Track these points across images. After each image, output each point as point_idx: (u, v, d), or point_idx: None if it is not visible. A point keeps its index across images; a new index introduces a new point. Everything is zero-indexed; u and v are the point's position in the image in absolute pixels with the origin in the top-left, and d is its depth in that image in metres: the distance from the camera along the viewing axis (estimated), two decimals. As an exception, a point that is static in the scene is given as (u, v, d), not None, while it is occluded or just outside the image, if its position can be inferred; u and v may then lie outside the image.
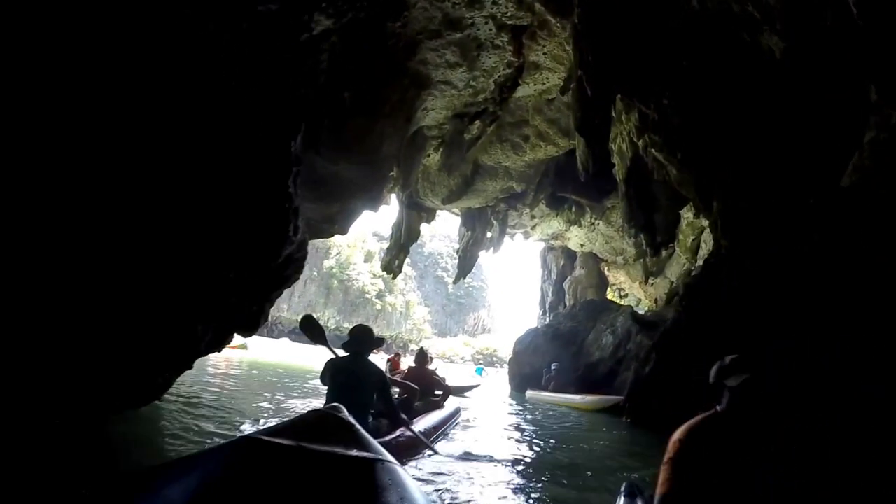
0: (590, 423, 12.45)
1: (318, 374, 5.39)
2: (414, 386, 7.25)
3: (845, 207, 8.37)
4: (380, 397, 5.16)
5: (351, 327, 5.55)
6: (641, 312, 19.94)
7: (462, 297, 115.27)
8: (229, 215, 5.33)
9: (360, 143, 10.68)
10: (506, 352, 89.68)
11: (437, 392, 8.74)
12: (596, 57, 10.90)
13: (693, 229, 21.14)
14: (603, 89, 11.41)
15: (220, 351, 6.69)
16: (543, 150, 17.60)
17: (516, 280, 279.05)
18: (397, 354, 20.19)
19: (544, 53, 13.16)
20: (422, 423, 6.23)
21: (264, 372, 17.78)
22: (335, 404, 3.44)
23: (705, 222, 19.23)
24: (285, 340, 64.80)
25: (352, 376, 4.95)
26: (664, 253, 25.53)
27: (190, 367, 6.47)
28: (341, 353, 5.36)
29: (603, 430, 11.36)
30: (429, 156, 18.51)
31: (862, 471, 5.77)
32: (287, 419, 3.39)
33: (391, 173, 18.70)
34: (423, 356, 9.59)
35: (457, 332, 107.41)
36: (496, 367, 67.05)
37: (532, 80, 14.49)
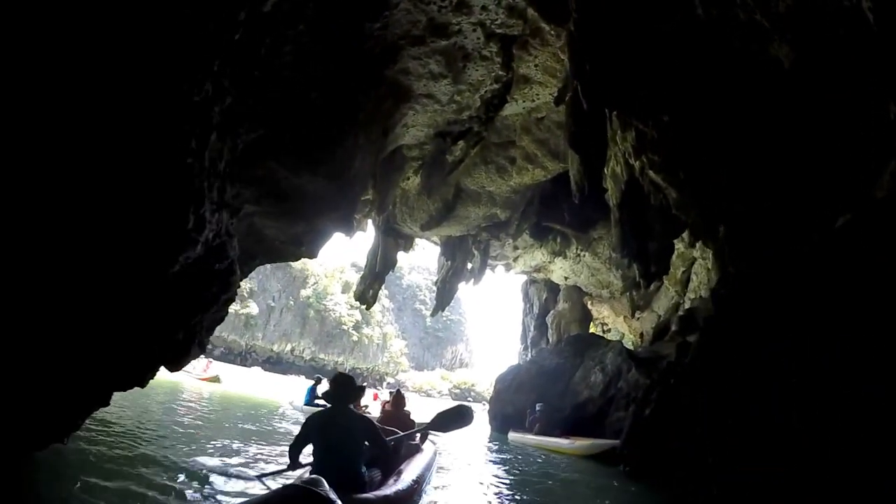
0: (580, 472, 11.20)
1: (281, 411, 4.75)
2: (400, 432, 6.65)
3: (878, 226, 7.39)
4: (373, 444, 4.83)
5: (333, 376, 5.14)
6: (629, 348, 18.76)
7: (440, 330, 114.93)
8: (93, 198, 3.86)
9: (328, 154, 9.50)
10: (483, 386, 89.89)
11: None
12: (593, 66, 9.95)
13: (683, 261, 20.23)
14: (599, 101, 10.48)
15: (142, 385, 5.38)
16: (531, 173, 16.53)
17: (495, 314, 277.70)
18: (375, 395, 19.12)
19: (535, 65, 12.18)
20: (408, 474, 5.61)
21: (234, 407, 16.31)
22: (316, 477, 3.14)
23: (696, 253, 18.40)
24: (257, 369, 63.32)
25: (339, 430, 4.60)
26: (652, 286, 24.75)
27: (105, 405, 5.18)
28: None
29: (596, 482, 10.10)
30: (408, 178, 17.42)
31: (862, 471, 5.86)
32: (258, 496, 3.18)
33: (366, 195, 17.61)
34: (399, 398, 9.03)
35: (434, 365, 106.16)
36: (471, 401, 65.47)
37: (521, 96, 13.50)
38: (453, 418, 5.47)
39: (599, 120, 11.32)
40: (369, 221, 21.56)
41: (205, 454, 7.57)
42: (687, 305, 20.09)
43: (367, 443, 4.80)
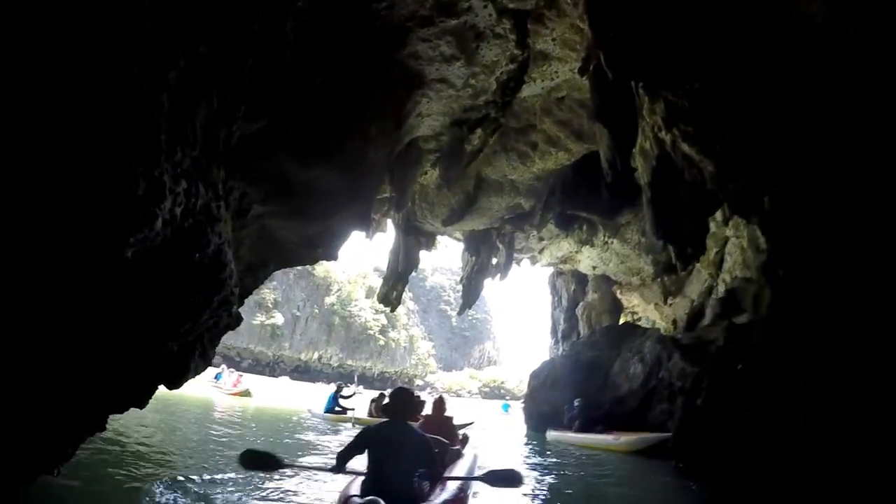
0: (629, 470, 10.45)
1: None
2: (444, 441, 6.88)
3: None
4: (424, 462, 4.84)
5: (391, 391, 5.20)
6: (668, 335, 17.86)
7: (466, 329, 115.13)
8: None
9: (339, 146, 8.84)
10: (513, 383, 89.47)
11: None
12: (616, 32, 9.21)
13: (716, 241, 19.26)
14: (625, 70, 9.75)
15: (140, 406, 4.77)
16: (554, 157, 15.73)
17: (521, 310, 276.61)
18: (381, 395, 18.41)
19: (553, 39, 11.43)
20: (454, 482, 5.59)
21: (260, 421, 15.80)
22: (373, 499, 3.60)
23: (729, 232, 17.47)
24: (285, 379, 63.55)
25: (396, 445, 4.56)
26: (683, 270, 23.80)
27: (100, 429, 4.57)
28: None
29: (649, 481, 9.34)
30: (425, 173, 16.74)
31: (870, 471, 5.88)
32: None
33: (383, 193, 16.96)
34: (441, 404, 8.89)
35: (462, 365, 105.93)
36: (508, 398, 64.68)
37: (539, 75, 12.75)
38: (506, 479, 5.17)
39: (626, 92, 10.55)
40: (389, 221, 20.94)
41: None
42: (721, 288, 19.18)
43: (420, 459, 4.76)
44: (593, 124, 14.01)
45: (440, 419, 8.43)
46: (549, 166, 16.24)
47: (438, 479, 5.27)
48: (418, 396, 5.50)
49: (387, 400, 5.05)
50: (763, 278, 11.45)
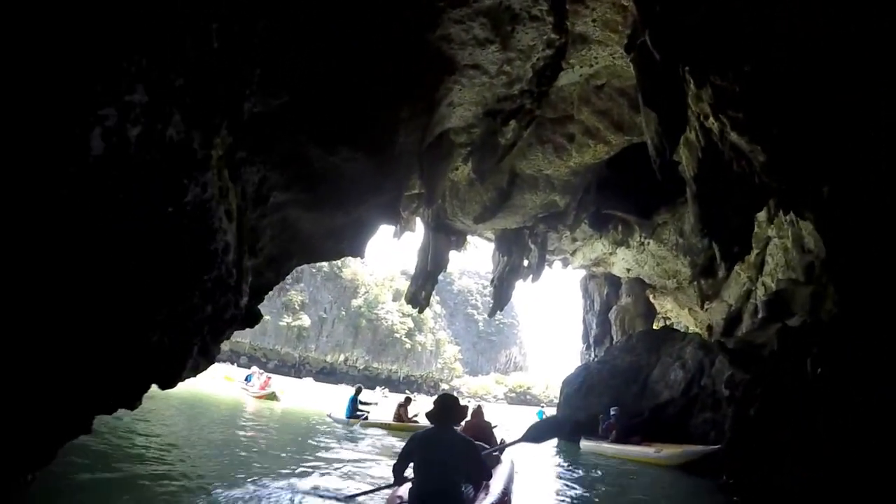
0: (672, 486, 9.65)
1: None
2: (486, 445, 6.98)
3: None
4: (470, 465, 4.88)
5: (436, 397, 5.27)
6: (712, 340, 16.91)
7: (493, 334, 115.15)
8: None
9: (366, 128, 8.24)
10: (539, 389, 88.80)
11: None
12: (664, 7, 8.50)
13: (757, 242, 18.33)
14: (673, 50, 9.05)
15: (131, 407, 4.19)
16: (592, 150, 14.92)
17: (549, 314, 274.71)
18: (408, 399, 17.60)
19: (593, 21, 10.71)
20: (496, 486, 5.54)
21: (283, 426, 15.25)
22: None
23: (772, 231, 16.54)
24: (309, 380, 62.95)
25: (443, 450, 4.70)
26: (720, 273, 22.79)
27: (86, 431, 3.98)
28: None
29: (695, 499, 8.53)
30: (457, 169, 16.10)
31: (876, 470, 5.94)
32: None
33: (412, 189, 16.33)
34: (480, 412, 9.13)
35: (488, 370, 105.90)
36: (543, 406, 63.84)
37: (578, 61, 12.04)
38: (548, 429, 5.52)
39: (674, 73, 9.80)
40: (418, 220, 20.37)
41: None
42: (760, 291, 18.24)
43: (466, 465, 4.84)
44: (634, 114, 13.30)
45: (480, 424, 8.60)
46: (587, 160, 15.44)
47: (482, 482, 5.30)
48: (461, 402, 5.35)
49: (431, 406, 5.14)
50: (825, 276, 10.59)
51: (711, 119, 11.16)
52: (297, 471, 7.85)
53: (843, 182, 9.17)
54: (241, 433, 11.80)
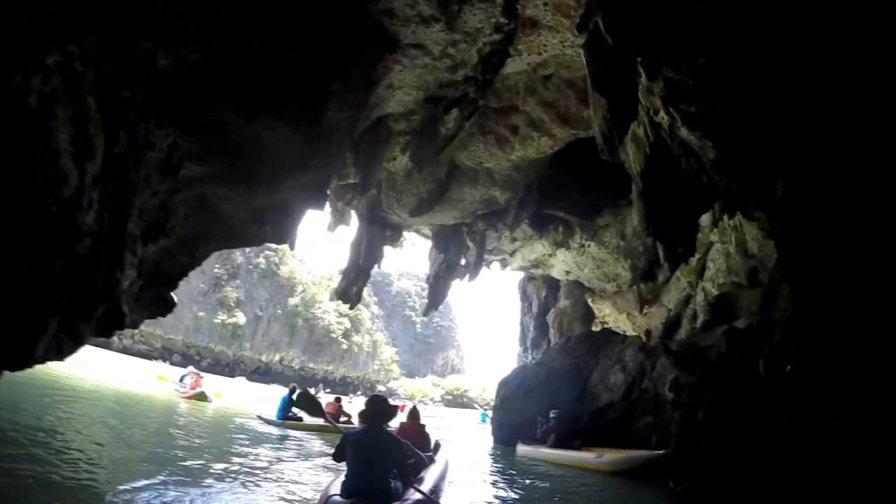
0: (615, 493, 9.11)
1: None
2: (421, 455, 7.08)
3: None
4: (399, 464, 5.24)
5: (367, 398, 5.68)
6: (649, 343, 16.63)
7: (430, 336, 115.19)
8: None
9: (292, 97, 7.38)
10: (476, 392, 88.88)
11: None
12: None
13: (699, 246, 18.29)
14: (626, 37, 8.57)
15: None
16: (536, 143, 14.33)
17: (486, 318, 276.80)
18: (338, 399, 16.68)
19: (545, 4, 10.13)
20: (425, 485, 6.02)
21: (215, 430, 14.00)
22: (354, 501, 4.57)
23: (714, 237, 16.47)
24: (242, 380, 60.94)
25: (373, 448, 5.02)
26: (660, 278, 22.78)
27: None
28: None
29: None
30: (394, 159, 15.30)
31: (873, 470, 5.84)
32: None
33: (346, 179, 15.44)
34: (415, 413, 9.50)
35: (425, 372, 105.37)
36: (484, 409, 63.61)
37: (526, 47, 11.46)
38: None
39: (625, 61, 9.32)
40: (353, 213, 19.45)
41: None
42: (700, 297, 18.19)
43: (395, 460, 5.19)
44: (582, 107, 12.83)
45: (415, 426, 8.98)
46: (530, 154, 14.86)
47: (411, 481, 5.62)
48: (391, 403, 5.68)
49: (363, 407, 5.46)
50: (778, 275, 10.33)
51: (662, 113, 10.76)
52: (206, 474, 6.90)
53: (798, 179, 8.88)
54: (163, 436, 10.62)
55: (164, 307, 9.39)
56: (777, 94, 8.71)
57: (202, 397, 20.98)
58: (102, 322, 5.50)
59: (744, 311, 13.43)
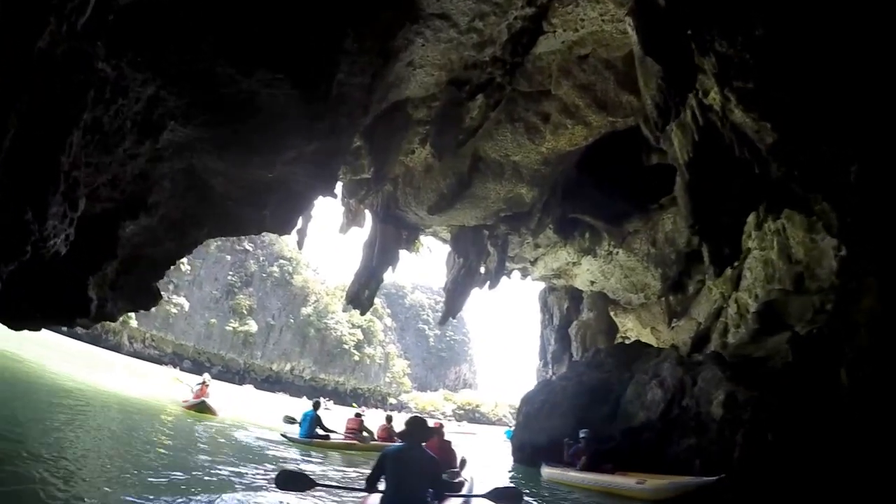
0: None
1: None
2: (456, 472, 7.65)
3: None
4: (434, 482, 5.25)
5: (408, 418, 5.68)
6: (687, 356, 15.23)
7: (443, 350, 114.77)
8: None
9: (295, 50, 6.22)
10: (488, 408, 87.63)
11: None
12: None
13: (737, 252, 17.03)
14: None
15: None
16: (569, 133, 13.04)
17: (501, 333, 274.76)
18: (358, 415, 14.96)
19: (586, -34, 8.98)
20: (458, 500, 6.13)
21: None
22: None
23: (752, 243, 15.18)
24: (249, 387, 60.12)
25: (412, 467, 5.04)
26: (691, 289, 21.47)
27: None
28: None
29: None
30: (412, 152, 14.15)
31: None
32: None
33: (360, 174, 14.28)
34: (440, 430, 9.33)
35: (437, 386, 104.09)
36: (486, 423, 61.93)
37: (561, 22, 10.30)
38: (506, 497, 5.32)
39: (676, 33, 8.14)
40: (368, 214, 18.31)
41: None
42: (732, 308, 16.87)
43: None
44: (621, 91, 11.66)
45: (441, 443, 8.85)
46: (562, 146, 13.58)
47: (444, 498, 5.61)
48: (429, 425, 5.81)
49: (403, 426, 5.57)
50: (859, 271, 9.04)
51: (713, 94, 9.60)
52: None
53: (876, 159, 7.63)
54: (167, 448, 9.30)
55: (148, 299, 8.28)
56: (851, 65, 7.56)
57: (203, 408, 18.56)
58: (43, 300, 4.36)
59: (796, 319, 12.10)
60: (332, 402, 58.03)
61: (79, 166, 4.37)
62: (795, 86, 8.13)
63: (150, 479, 6.36)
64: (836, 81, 7.78)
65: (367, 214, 18.31)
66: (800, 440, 6.63)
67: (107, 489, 5.70)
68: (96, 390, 16.50)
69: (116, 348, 57.45)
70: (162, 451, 8.49)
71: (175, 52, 5.46)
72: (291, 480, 5.42)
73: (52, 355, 23.14)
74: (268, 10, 5.88)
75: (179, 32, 5.37)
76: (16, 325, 7.69)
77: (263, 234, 10.86)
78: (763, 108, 8.75)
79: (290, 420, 15.16)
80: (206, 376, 21.31)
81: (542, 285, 29.10)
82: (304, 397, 52.99)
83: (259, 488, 6.89)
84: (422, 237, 20.56)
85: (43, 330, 8.81)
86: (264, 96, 6.26)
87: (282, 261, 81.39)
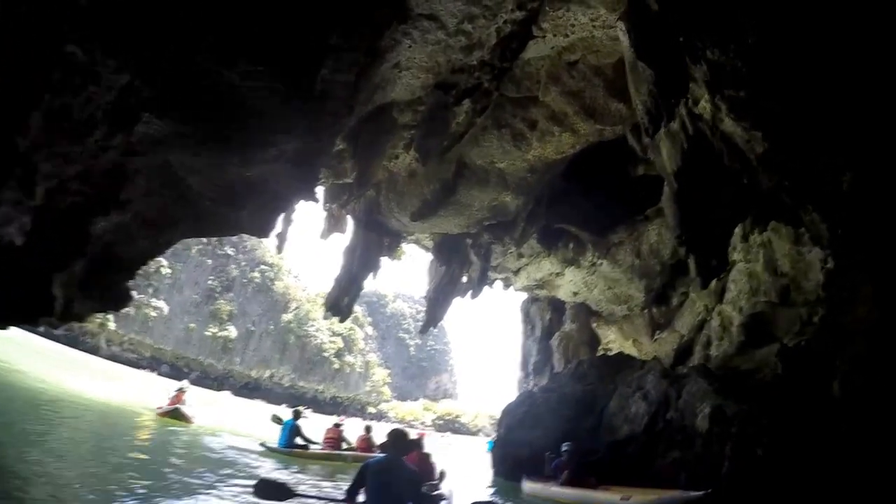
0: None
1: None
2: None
3: None
4: (414, 494, 5.23)
5: (390, 430, 5.64)
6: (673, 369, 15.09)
7: (424, 360, 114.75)
8: None
9: (278, 43, 5.96)
10: (468, 418, 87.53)
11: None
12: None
13: (721, 265, 17.00)
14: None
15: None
16: (556, 140, 12.87)
17: (482, 344, 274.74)
18: (337, 425, 14.57)
19: (578, -30, 8.84)
20: None
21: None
22: None
23: (737, 255, 15.16)
24: (227, 394, 58.66)
25: (391, 477, 5.04)
26: (674, 301, 21.40)
27: None
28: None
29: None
30: (397, 157, 13.90)
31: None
32: None
33: (342, 178, 14.00)
34: (420, 442, 9.59)
35: (417, 395, 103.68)
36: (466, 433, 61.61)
37: (551, 27, 10.15)
38: None
39: (669, 39, 8.02)
40: (349, 220, 18.02)
41: None
42: (715, 321, 16.83)
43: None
44: (610, 99, 11.55)
45: (420, 455, 9.10)
46: (549, 154, 13.41)
47: None
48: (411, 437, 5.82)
49: (385, 438, 5.56)
50: (852, 280, 8.97)
51: (704, 102, 9.49)
52: None
53: (871, 168, 7.55)
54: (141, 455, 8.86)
55: (118, 299, 7.92)
56: (844, 73, 7.49)
57: (177, 415, 17.99)
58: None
59: (783, 331, 12.04)
60: (310, 409, 57.29)
61: (40, 151, 4.08)
62: (788, 94, 8.06)
63: (116, 492, 6.03)
64: (829, 90, 7.72)
65: (349, 220, 18.03)
66: (790, 454, 6.47)
67: None
68: (69, 394, 15.97)
69: (94, 351, 56.24)
70: (130, 461, 8.12)
71: (151, 38, 5.19)
72: (270, 490, 5.41)
73: (23, 355, 22.29)
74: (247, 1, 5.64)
75: (156, 18, 5.11)
76: (-32, 322, 7.31)
77: (245, 239, 10.59)
78: (754, 117, 8.68)
79: (277, 420, 14.88)
80: (185, 383, 20.78)
81: (524, 296, 28.91)
82: (284, 405, 52.16)
83: (235, 497, 6.65)
84: (404, 244, 20.30)
85: (13, 329, 8.44)
86: (244, 90, 5.99)
87: (263, 266, 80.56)
